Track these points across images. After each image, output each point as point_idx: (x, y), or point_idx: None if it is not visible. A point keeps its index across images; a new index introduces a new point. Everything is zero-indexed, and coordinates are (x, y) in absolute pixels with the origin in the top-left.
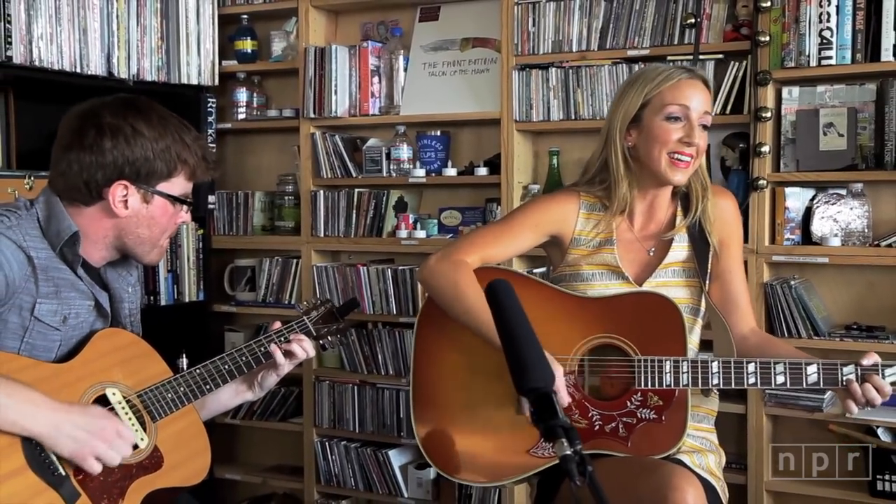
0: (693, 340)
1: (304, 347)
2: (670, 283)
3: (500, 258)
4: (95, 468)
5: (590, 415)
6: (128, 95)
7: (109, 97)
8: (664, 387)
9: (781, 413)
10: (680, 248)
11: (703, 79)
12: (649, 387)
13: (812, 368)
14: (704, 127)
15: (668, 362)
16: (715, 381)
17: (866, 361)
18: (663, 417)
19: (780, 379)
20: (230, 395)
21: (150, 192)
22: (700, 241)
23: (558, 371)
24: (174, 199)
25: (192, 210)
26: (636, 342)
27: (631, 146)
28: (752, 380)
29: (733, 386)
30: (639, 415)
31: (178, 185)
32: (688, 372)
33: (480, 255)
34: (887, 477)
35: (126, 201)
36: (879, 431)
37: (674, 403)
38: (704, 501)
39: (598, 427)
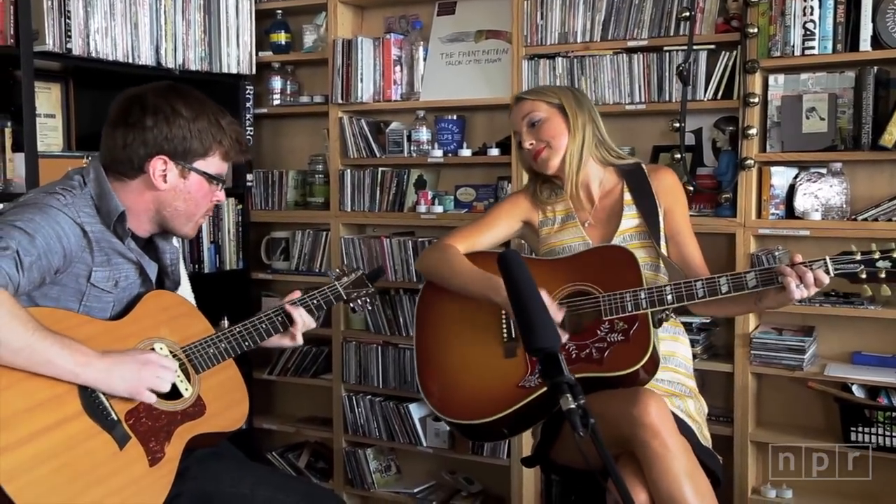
0: None
1: (301, 317)
2: (628, 246)
3: (483, 246)
4: (151, 398)
5: (567, 347)
6: (171, 82)
7: (155, 83)
8: (627, 313)
9: (765, 371)
10: (629, 217)
11: (517, 98)
12: (615, 315)
13: (750, 275)
14: (535, 123)
15: (627, 293)
16: (670, 299)
17: (795, 259)
18: (630, 335)
19: (725, 288)
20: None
21: (187, 168)
22: (648, 209)
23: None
24: (209, 177)
25: (233, 187)
26: (600, 284)
27: None
28: (700, 293)
29: (685, 301)
30: (608, 339)
31: (214, 164)
32: (645, 298)
33: (466, 244)
34: (860, 429)
35: (165, 176)
36: (854, 388)
37: (637, 324)
38: (669, 415)
39: (574, 356)
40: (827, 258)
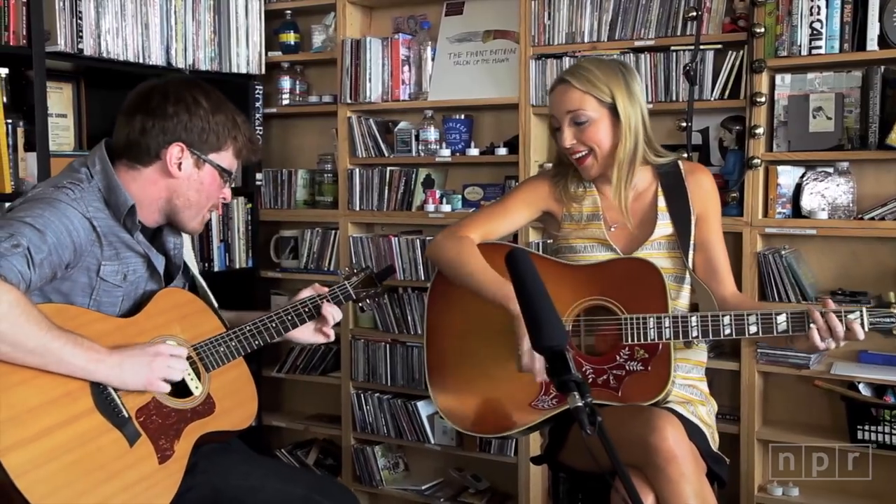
0: (682, 304)
1: (331, 313)
2: (655, 255)
3: (499, 234)
4: (165, 388)
5: (583, 369)
6: (190, 76)
7: (174, 75)
8: (649, 341)
9: (772, 370)
10: (664, 225)
11: (563, 80)
12: (636, 341)
13: (781, 318)
14: (580, 122)
15: (651, 319)
16: (694, 334)
17: (828, 305)
18: (649, 367)
19: (753, 329)
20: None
21: (202, 159)
22: (681, 216)
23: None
24: (222, 170)
25: (242, 186)
26: (623, 302)
27: None
28: (727, 330)
29: (711, 337)
30: (627, 367)
31: (227, 158)
32: (669, 326)
33: (481, 232)
34: (866, 427)
35: (180, 163)
36: (861, 387)
37: (658, 355)
38: (685, 439)
39: (591, 380)
40: (863, 310)
